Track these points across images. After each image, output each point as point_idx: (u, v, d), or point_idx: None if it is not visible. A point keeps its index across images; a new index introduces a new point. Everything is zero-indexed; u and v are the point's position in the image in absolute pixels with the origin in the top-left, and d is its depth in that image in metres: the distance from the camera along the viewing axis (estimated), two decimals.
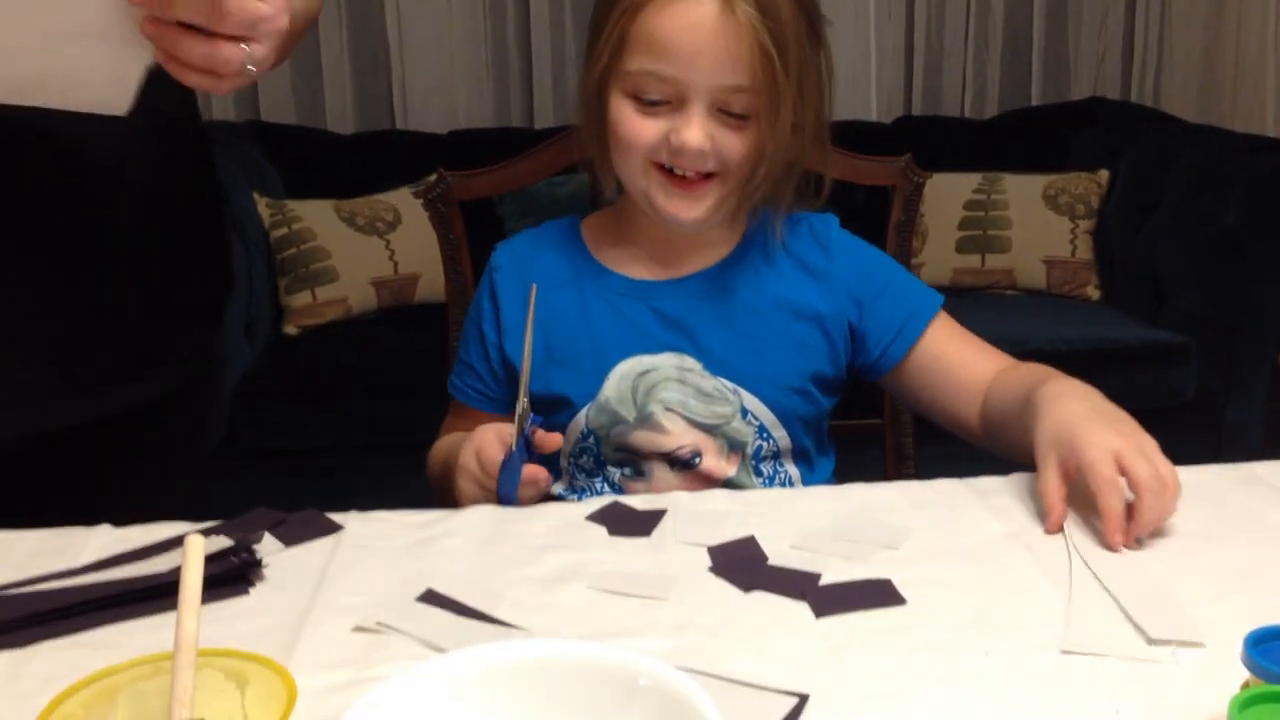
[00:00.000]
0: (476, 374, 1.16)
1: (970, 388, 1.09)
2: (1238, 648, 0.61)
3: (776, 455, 1.12)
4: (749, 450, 1.10)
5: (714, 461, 1.09)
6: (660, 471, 1.10)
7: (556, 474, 1.14)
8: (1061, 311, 2.74)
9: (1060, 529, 0.88)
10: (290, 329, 2.68)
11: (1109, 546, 0.84)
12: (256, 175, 2.81)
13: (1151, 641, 0.73)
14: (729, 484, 1.10)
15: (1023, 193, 2.91)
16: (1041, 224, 2.87)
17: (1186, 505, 0.94)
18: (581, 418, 1.10)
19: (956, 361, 1.11)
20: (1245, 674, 0.61)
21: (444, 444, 1.15)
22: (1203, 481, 0.99)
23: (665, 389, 1.09)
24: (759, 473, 1.11)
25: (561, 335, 1.11)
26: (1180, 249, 2.67)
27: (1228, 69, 3.32)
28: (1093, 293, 2.86)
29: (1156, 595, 0.78)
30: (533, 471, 0.98)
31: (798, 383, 1.11)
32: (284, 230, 2.70)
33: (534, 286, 1.05)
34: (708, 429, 1.09)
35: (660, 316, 1.11)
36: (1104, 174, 2.91)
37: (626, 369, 1.09)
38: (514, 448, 0.98)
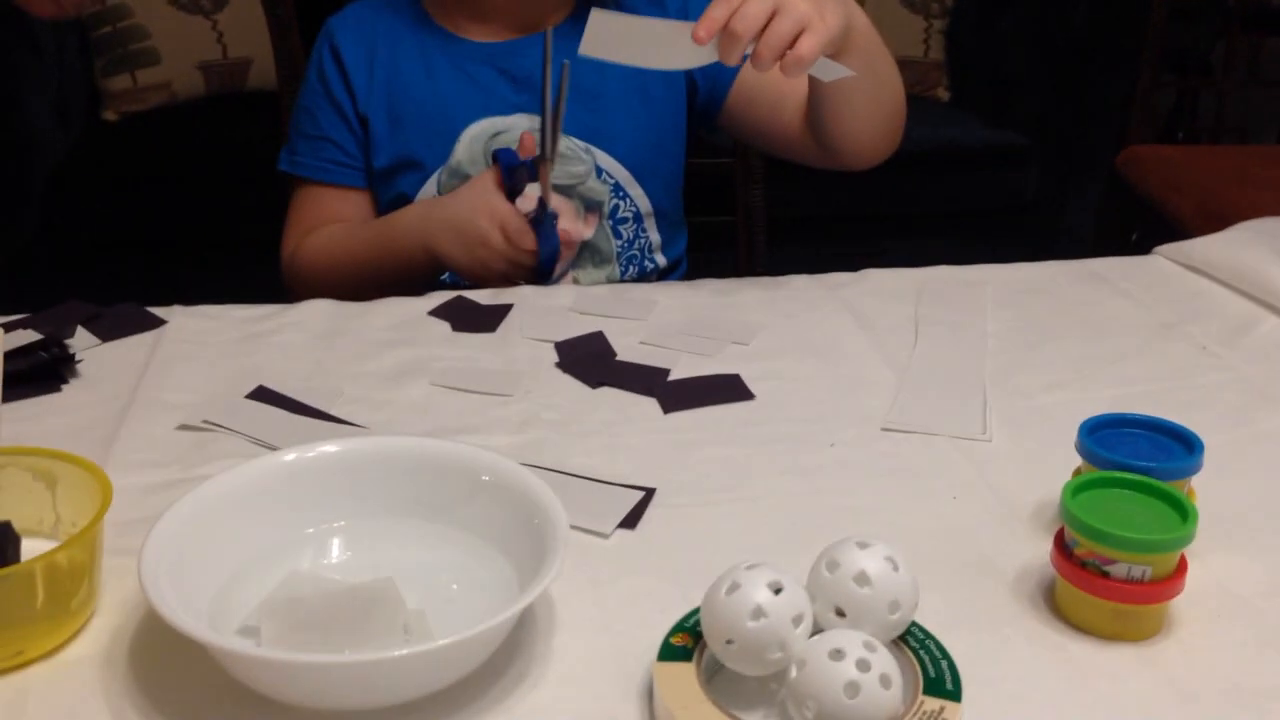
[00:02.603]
0: (334, 144, 1.09)
1: (796, 95, 1.05)
2: (1074, 435, 0.63)
3: (637, 217, 1.11)
4: (605, 210, 1.09)
5: (570, 223, 1.07)
6: None
7: None
8: (911, 112, 2.74)
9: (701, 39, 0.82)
10: (110, 114, 2.49)
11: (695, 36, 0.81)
12: None
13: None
14: (587, 247, 1.08)
15: None
16: (896, 22, 2.85)
17: (1026, 300, 0.96)
18: (433, 182, 1.07)
19: (779, 77, 1.06)
20: (1079, 460, 0.63)
21: (339, 238, 1.07)
22: (1043, 277, 1.01)
23: None
24: (618, 234, 1.10)
25: (407, 99, 1.08)
26: (1028, 52, 2.69)
27: None
28: (942, 94, 2.87)
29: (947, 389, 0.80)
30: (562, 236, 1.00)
31: (649, 136, 1.10)
32: (96, 5, 2.48)
33: (565, 64, 0.97)
34: (563, 189, 1.07)
35: (509, 78, 1.08)
36: None
37: (478, 131, 1.07)
38: (548, 211, 0.98)
